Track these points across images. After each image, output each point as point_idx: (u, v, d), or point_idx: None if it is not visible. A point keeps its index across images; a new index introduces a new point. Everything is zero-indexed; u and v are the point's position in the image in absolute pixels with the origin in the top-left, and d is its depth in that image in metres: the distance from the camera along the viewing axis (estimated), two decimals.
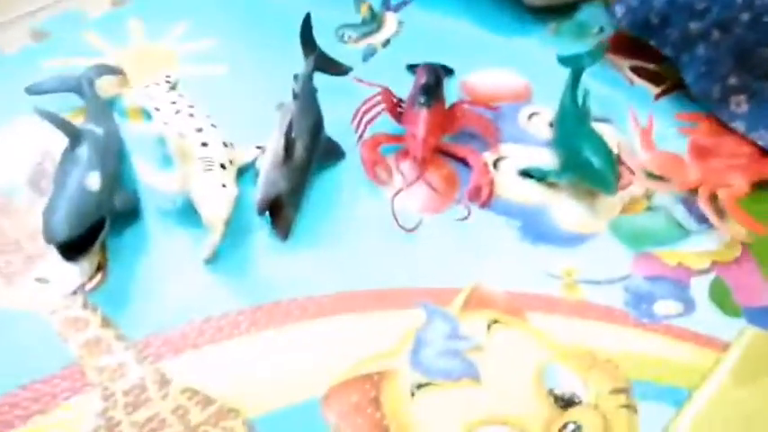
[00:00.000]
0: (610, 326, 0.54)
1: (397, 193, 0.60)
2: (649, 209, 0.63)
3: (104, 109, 0.64)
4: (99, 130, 0.60)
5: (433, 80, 0.68)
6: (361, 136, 0.65)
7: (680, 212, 0.62)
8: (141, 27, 0.78)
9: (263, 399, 0.49)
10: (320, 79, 0.69)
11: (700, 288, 0.57)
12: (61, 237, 0.52)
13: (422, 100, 0.65)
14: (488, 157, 0.66)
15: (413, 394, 0.50)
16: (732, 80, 0.67)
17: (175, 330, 0.52)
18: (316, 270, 0.57)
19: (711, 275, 0.58)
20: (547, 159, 0.66)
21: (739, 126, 0.67)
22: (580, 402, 0.50)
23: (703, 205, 0.60)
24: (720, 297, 0.57)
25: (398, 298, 0.55)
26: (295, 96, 0.64)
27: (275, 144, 0.60)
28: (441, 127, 0.65)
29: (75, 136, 0.57)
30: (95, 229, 0.54)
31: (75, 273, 0.55)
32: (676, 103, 0.73)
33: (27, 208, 0.59)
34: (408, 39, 0.79)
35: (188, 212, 0.58)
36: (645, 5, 0.70)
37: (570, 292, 0.56)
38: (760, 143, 0.66)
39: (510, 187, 0.64)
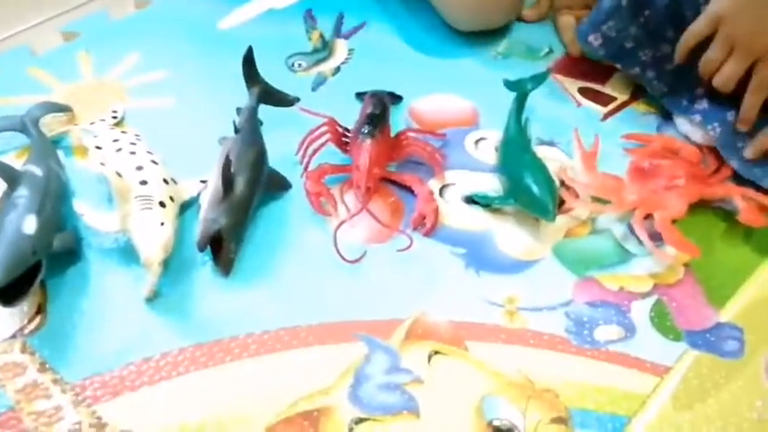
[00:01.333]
0: (551, 353, 0.55)
1: (339, 225, 0.60)
2: (593, 232, 0.63)
3: (47, 149, 0.64)
4: (39, 172, 0.59)
5: (379, 109, 0.68)
6: (306, 167, 0.66)
7: (623, 235, 0.63)
8: (90, 61, 0.78)
9: None
10: (268, 110, 0.70)
11: (641, 312, 0.57)
12: None
13: (366, 130, 0.66)
14: (434, 184, 0.66)
15: (351, 430, 0.49)
16: (699, 90, 0.69)
17: (113, 372, 0.52)
18: (258, 305, 0.57)
19: (653, 299, 0.59)
20: (493, 185, 0.66)
21: (696, 117, 0.69)
22: None
23: (637, 228, 0.61)
24: (661, 321, 0.57)
25: (340, 332, 0.55)
26: (236, 130, 0.64)
27: (215, 179, 0.60)
28: (386, 156, 0.66)
29: (13, 179, 0.57)
30: (33, 272, 0.54)
31: (14, 316, 0.55)
32: (624, 122, 0.74)
33: None
34: (358, 66, 0.79)
35: (128, 251, 0.57)
36: (621, 33, 0.71)
37: (512, 320, 0.56)
38: (711, 134, 0.67)
39: (455, 215, 0.64)
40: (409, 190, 0.65)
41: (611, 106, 0.75)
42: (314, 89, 0.76)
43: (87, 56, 0.79)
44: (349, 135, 0.67)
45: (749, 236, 0.63)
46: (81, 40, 0.81)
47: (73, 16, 0.84)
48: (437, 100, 0.75)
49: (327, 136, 0.66)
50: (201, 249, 0.57)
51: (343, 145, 0.67)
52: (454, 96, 0.75)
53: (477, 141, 0.71)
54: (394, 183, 0.66)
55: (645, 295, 0.59)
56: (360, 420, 0.50)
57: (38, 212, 0.55)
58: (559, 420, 0.51)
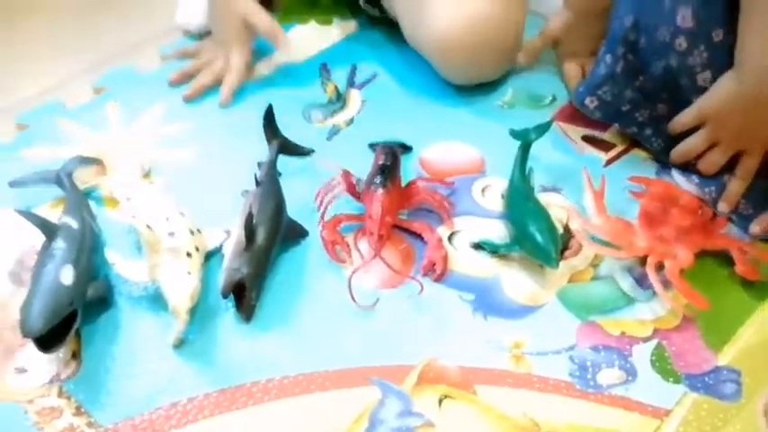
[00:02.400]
0: (556, 397, 0.57)
1: (354, 272, 0.64)
2: (596, 277, 0.66)
3: (81, 201, 0.69)
4: (75, 224, 0.64)
5: (390, 160, 0.72)
6: (322, 216, 0.70)
7: (625, 281, 0.66)
8: (118, 112, 0.83)
9: None
10: (287, 161, 0.74)
11: (642, 356, 0.60)
12: (36, 331, 0.55)
13: (378, 180, 0.70)
14: (443, 231, 0.70)
15: None
16: None
17: (143, 416, 0.56)
18: (277, 351, 0.60)
19: (653, 343, 0.61)
20: (499, 232, 0.70)
21: (693, 178, 0.72)
22: None
23: (651, 275, 0.63)
24: (661, 364, 0.60)
25: (355, 377, 0.58)
26: (257, 183, 0.68)
27: (238, 230, 0.64)
28: (397, 205, 0.69)
29: (51, 232, 0.62)
30: (69, 320, 0.58)
31: (51, 362, 0.59)
32: (626, 168, 0.77)
33: (7, 300, 0.63)
34: (371, 116, 0.83)
35: (157, 299, 0.61)
36: (617, 98, 0.75)
37: (518, 365, 0.59)
38: (707, 197, 0.70)
39: (464, 261, 0.68)
40: (420, 237, 0.69)
41: (613, 153, 0.79)
42: (329, 139, 0.80)
43: (115, 107, 0.84)
44: (361, 185, 0.71)
45: (746, 280, 0.65)
46: (109, 92, 0.86)
47: (102, 71, 0.90)
48: (445, 149, 0.79)
49: (342, 186, 0.70)
50: (225, 296, 0.61)
51: (356, 194, 0.71)
52: (462, 145, 0.79)
53: (483, 189, 0.74)
54: (405, 230, 0.70)
55: (645, 339, 0.61)
56: None
57: (74, 263, 0.60)
58: None
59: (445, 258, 0.67)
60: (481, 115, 0.83)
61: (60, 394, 0.57)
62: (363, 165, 0.74)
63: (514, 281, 0.66)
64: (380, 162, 0.72)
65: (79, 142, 0.79)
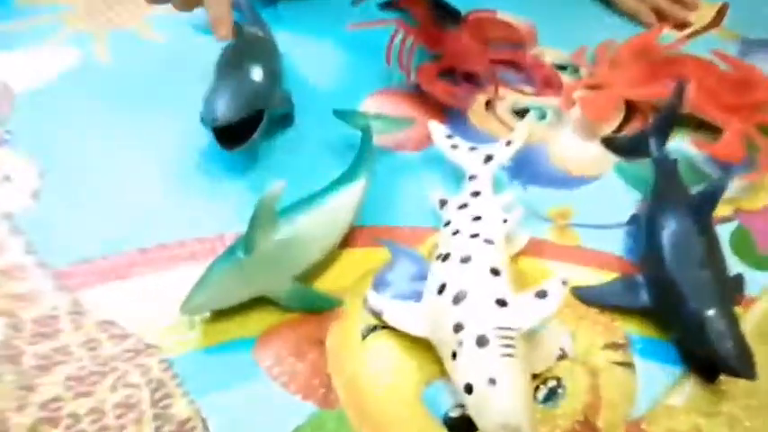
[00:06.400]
0: (607, 275, 0.46)
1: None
2: None
3: (259, 20, 0.62)
4: (260, 32, 0.58)
5: None
6: (408, 75, 0.58)
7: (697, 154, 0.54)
8: None
9: (187, 336, 0.42)
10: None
11: (720, 236, 0.48)
12: (224, 119, 0.49)
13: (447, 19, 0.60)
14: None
15: (364, 338, 0.42)
16: None
17: (106, 261, 0.46)
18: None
19: (734, 224, 0.50)
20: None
21: None
22: (565, 356, 0.41)
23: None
24: (742, 247, 0.48)
25: (363, 237, 0.48)
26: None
27: None
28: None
29: (237, 32, 0.53)
30: (254, 122, 0.51)
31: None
32: None
33: None
34: None
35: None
36: None
37: (562, 236, 0.48)
38: None
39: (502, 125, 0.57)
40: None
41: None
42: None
43: None
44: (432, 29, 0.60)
45: None
46: None
47: None
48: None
49: (410, 36, 0.59)
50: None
51: (428, 41, 0.60)
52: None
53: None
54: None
55: (724, 220, 0.50)
56: (376, 328, 0.43)
57: (264, 64, 0.53)
58: (616, 346, 0.42)
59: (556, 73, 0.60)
60: None
61: (11, 232, 0.48)
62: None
63: (563, 149, 0.55)
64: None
65: None
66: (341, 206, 0.46)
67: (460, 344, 0.37)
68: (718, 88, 0.54)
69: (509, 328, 0.37)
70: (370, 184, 0.48)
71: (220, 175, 0.52)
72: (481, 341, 0.36)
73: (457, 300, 0.39)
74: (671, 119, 0.50)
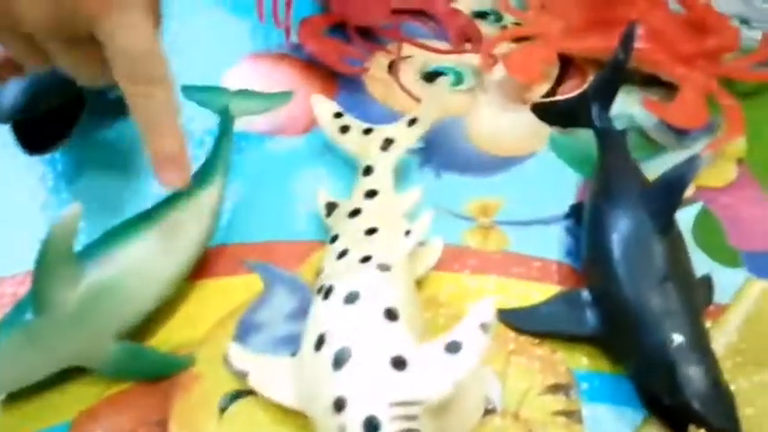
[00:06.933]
0: (546, 287, 0.36)
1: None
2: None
3: None
4: None
5: None
6: (287, 30, 0.46)
7: (649, 120, 0.44)
8: None
9: None
10: None
11: (680, 223, 0.38)
12: (16, 110, 0.36)
13: None
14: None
15: (223, 411, 0.31)
16: None
17: None
18: None
19: (696, 207, 0.40)
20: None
21: None
22: (494, 410, 0.31)
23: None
24: (708, 238, 0.38)
25: (226, 260, 0.36)
26: None
27: None
28: None
29: None
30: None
31: None
32: None
33: None
34: None
35: None
36: None
37: (486, 239, 0.38)
38: None
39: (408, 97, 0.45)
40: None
41: None
42: None
43: None
44: None
45: None
46: None
47: None
48: None
49: None
50: None
51: None
52: None
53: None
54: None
55: (684, 202, 0.40)
56: (239, 395, 0.31)
57: None
58: (558, 389, 0.32)
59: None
60: None
61: None
62: None
63: (484, 123, 0.44)
64: None
65: None
66: (184, 224, 0.33)
67: (342, 430, 0.26)
68: (673, 34, 0.44)
69: (409, 403, 0.26)
70: (226, 186, 0.36)
71: (23, 188, 0.39)
72: (370, 426, 0.26)
73: (338, 362, 0.28)
74: (616, 78, 0.39)
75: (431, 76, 0.46)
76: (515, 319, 0.34)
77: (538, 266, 0.37)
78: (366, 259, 0.31)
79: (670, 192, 0.32)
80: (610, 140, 0.39)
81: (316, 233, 0.37)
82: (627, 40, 0.38)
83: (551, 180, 0.41)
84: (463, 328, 0.27)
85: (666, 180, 0.33)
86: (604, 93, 0.39)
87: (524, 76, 0.43)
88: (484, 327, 0.27)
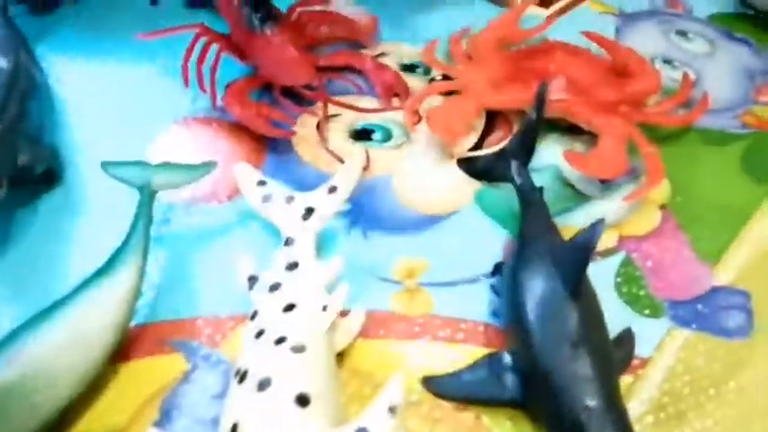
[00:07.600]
0: (471, 350, 0.36)
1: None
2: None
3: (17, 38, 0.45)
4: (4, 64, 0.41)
5: None
6: (213, 93, 0.46)
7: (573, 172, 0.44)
8: None
9: None
10: None
11: (602, 276, 0.39)
12: None
13: (257, 19, 0.47)
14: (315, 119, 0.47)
15: None
16: None
17: None
18: None
19: (619, 257, 0.40)
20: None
21: None
22: None
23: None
24: (631, 288, 0.39)
25: (148, 339, 0.36)
26: None
27: None
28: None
29: None
30: None
31: None
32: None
33: None
34: None
35: None
36: None
37: (412, 301, 0.38)
38: None
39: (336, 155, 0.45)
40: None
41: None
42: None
43: None
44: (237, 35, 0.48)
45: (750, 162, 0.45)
46: None
47: None
48: None
49: (214, 43, 0.46)
50: None
51: (237, 48, 0.47)
52: None
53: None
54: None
55: (606, 253, 0.41)
56: None
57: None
58: None
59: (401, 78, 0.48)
60: None
61: None
62: None
63: (411, 180, 0.44)
64: None
65: None
66: (101, 308, 0.33)
67: None
68: (593, 82, 0.45)
69: None
70: (147, 263, 0.36)
71: None
72: None
73: None
74: (531, 136, 0.40)
75: (359, 134, 0.46)
76: (439, 387, 0.34)
77: (464, 328, 0.37)
78: (281, 341, 0.31)
79: (576, 258, 0.33)
80: (527, 198, 0.39)
81: (241, 305, 0.37)
82: (539, 99, 0.39)
83: (477, 237, 0.41)
84: (372, 413, 0.27)
85: (573, 246, 0.34)
86: (521, 150, 0.40)
87: (446, 133, 0.44)
88: (392, 410, 0.27)
